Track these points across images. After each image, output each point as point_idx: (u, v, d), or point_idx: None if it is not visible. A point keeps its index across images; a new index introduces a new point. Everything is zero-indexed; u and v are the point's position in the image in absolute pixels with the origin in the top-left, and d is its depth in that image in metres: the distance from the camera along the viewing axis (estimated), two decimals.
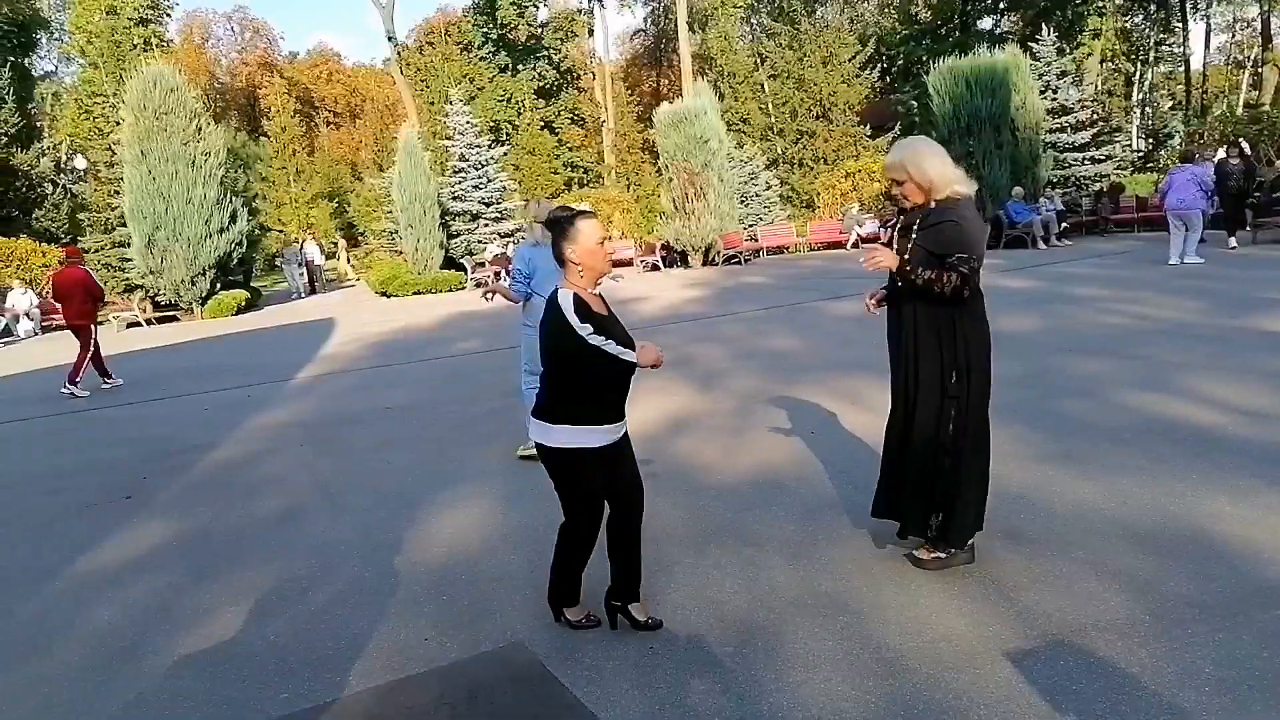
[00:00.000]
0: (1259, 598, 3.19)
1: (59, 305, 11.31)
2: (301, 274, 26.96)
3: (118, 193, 21.46)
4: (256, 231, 25.45)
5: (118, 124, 21.19)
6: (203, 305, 20.45)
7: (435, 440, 6.77)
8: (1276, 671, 2.74)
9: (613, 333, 3.12)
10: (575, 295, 3.11)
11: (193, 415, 8.62)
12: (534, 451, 5.67)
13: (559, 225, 3.22)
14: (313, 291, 27.07)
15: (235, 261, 21.50)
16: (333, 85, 63.72)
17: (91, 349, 10.59)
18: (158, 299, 20.60)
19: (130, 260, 21.11)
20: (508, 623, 3.57)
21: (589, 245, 3.17)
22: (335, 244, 39.08)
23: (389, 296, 21.83)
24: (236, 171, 26.29)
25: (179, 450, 7.12)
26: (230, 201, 21.02)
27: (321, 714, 3.03)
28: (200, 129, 20.37)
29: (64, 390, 10.35)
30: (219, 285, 20.82)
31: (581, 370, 3.08)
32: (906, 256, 3.50)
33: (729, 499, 4.78)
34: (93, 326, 10.68)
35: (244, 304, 21.22)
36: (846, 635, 3.22)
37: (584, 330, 3.01)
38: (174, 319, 20.63)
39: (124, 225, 21.18)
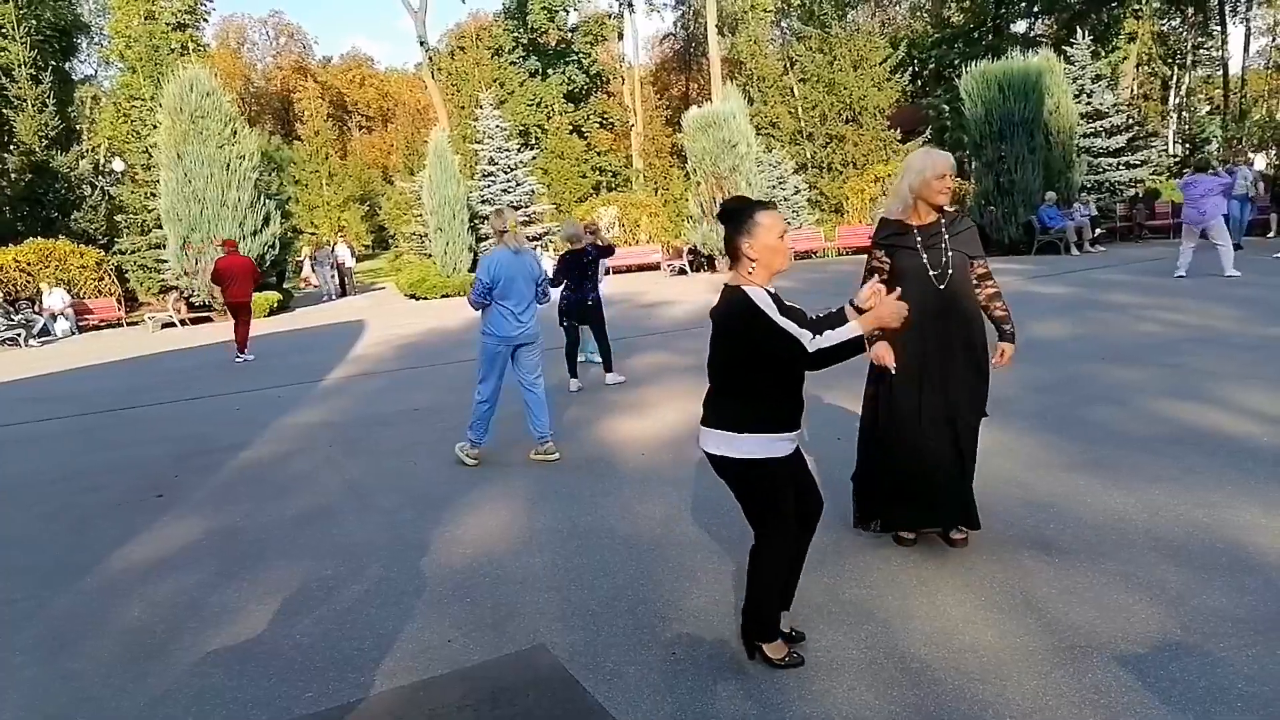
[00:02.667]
0: None
1: (220, 287, 13.40)
2: (333, 276, 27.26)
3: (154, 195, 21.84)
4: (289, 234, 25.78)
5: (154, 127, 21.54)
6: None
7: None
8: None
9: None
10: (771, 293, 2.87)
11: (225, 415, 8.74)
12: (554, 456, 5.90)
13: (735, 216, 2.90)
14: (343, 293, 27.35)
15: (268, 263, 21.79)
16: (365, 89, 64.51)
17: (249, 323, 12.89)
18: (192, 300, 20.89)
19: (166, 262, 21.47)
20: (531, 625, 3.58)
21: (768, 240, 2.85)
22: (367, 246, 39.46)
23: (418, 299, 22.00)
24: (270, 174, 26.67)
25: (211, 449, 7.22)
26: (264, 204, 21.31)
27: (346, 714, 3.05)
28: (235, 132, 20.68)
29: (237, 360, 12.53)
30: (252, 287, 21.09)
31: (768, 370, 2.86)
32: (946, 263, 3.74)
33: None
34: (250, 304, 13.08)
35: (276, 305, 21.48)
36: (871, 644, 3.20)
37: (804, 339, 2.74)
38: (208, 320, 20.91)
39: (160, 227, 21.56)
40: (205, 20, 36.95)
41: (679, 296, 16.80)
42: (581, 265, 8.49)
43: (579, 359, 9.77)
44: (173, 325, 20.49)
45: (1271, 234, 17.14)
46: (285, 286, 24.14)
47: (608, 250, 9.27)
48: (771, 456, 2.93)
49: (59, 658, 3.65)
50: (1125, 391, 6.47)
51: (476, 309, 6.05)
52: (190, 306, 20.98)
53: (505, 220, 6.14)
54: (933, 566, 3.78)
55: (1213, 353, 7.54)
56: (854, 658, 3.12)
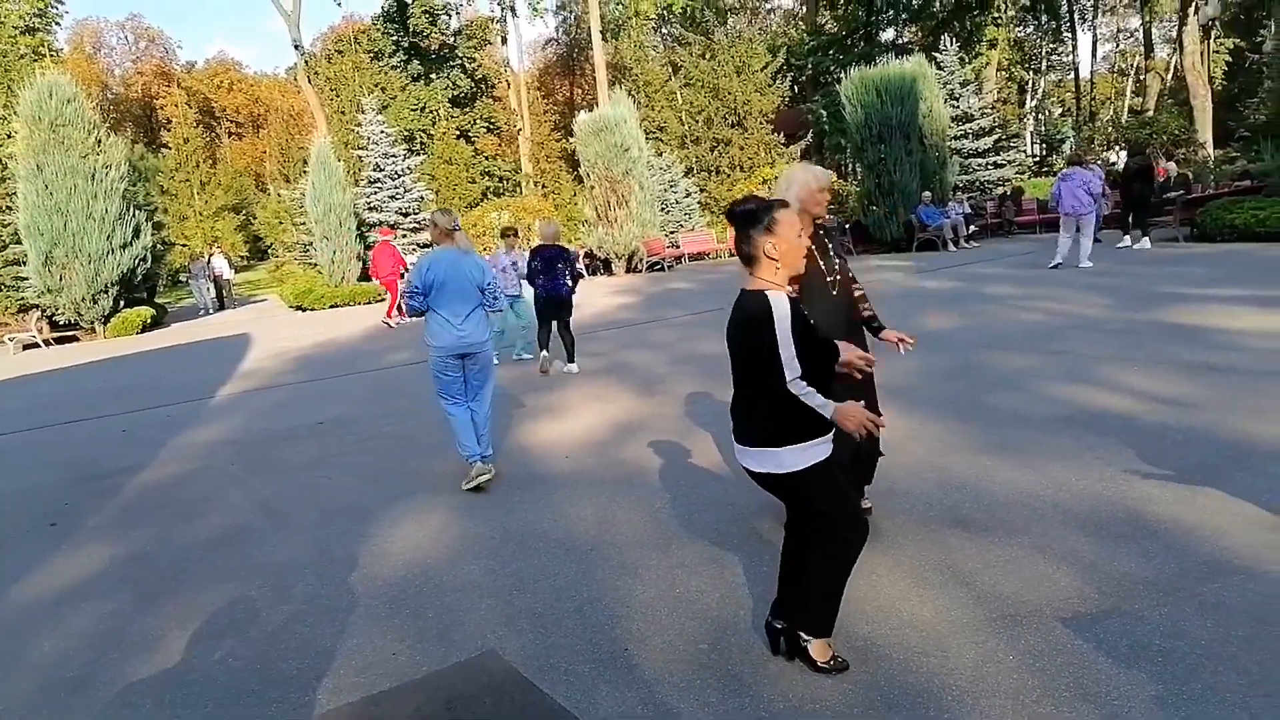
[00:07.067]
0: (1196, 572, 3.40)
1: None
2: (209, 289, 26.07)
3: (10, 209, 20.39)
4: (160, 246, 24.52)
5: (9, 137, 20.13)
6: (105, 324, 19.57)
7: (377, 453, 6.64)
8: (1219, 641, 2.92)
9: (817, 342, 2.81)
10: (793, 302, 2.73)
11: (111, 437, 8.25)
12: (487, 478, 5.55)
13: (754, 217, 2.77)
14: (221, 307, 26.19)
15: (139, 278, 20.66)
16: (234, 95, 61.99)
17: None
18: (55, 319, 19.61)
19: (25, 279, 20.06)
20: (477, 631, 3.54)
21: (792, 239, 2.75)
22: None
23: (304, 310, 21.26)
24: (136, 185, 25.27)
25: (104, 473, 6.80)
26: (133, 216, 20.19)
27: None
28: (99, 141, 19.53)
29: (385, 322, 15.71)
30: (122, 303, 19.96)
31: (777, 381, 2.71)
32: (840, 267, 3.99)
33: (686, 499, 4.82)
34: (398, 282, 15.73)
35: (149, 321, 20.39)
36: None
37: (791, 373, 2.67)
38: (74, 339, 19.68)
39: (18, 243, 20.12)
40: (57, 24, 34.88)
41: (579, 300, 16.77)
42: (548, 257, 9.01)
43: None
44: (36, 346, 19.18)
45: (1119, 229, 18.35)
46: (158, 301, 22.96)
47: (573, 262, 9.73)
48: (815, 463, 2.82)
49: None
50: (1019, 377, 6.85)
51: (412, 316, 5.61)
52: (54, 325, 19.68)
53: (455, 218, 5.63)
54: (864, 549, 3.92)
55: (1090, 338, 8.06)
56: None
